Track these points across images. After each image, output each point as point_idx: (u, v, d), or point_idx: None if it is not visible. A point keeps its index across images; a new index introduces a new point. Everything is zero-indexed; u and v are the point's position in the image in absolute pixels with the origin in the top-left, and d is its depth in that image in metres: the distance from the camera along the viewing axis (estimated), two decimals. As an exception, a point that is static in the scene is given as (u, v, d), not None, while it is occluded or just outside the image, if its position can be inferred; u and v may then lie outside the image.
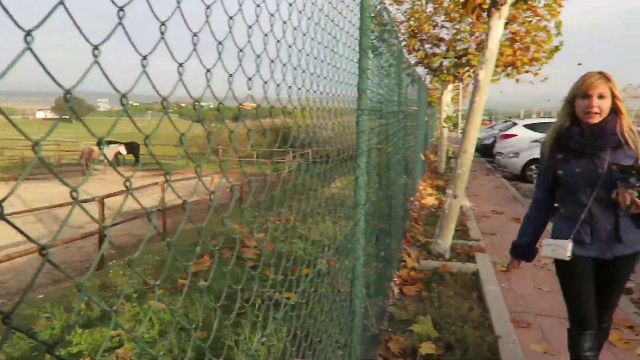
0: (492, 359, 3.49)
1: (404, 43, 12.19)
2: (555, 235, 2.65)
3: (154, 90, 0.88)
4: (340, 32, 1.93)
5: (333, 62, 1.79)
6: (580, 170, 2.45)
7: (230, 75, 1.08)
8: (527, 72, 10.94)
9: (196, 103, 1.03)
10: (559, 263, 2.66)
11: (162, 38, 0.85)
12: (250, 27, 1.08)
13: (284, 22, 1.23)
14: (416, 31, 12.11)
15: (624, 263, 2.56)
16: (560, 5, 8.94)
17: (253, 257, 5.42)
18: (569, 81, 2.60)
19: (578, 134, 2.42)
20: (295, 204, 1.62)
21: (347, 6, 1.99)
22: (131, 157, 25.95)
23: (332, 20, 1.72)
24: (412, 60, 12.02)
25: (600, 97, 2.35)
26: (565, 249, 2.51)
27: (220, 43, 0.99)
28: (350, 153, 2.29)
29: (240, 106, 1.20)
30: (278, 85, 1.22)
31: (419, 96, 10.36)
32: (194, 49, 0.94)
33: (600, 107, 2.35)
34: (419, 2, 12.02)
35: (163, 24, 0.86)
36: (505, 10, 4.93)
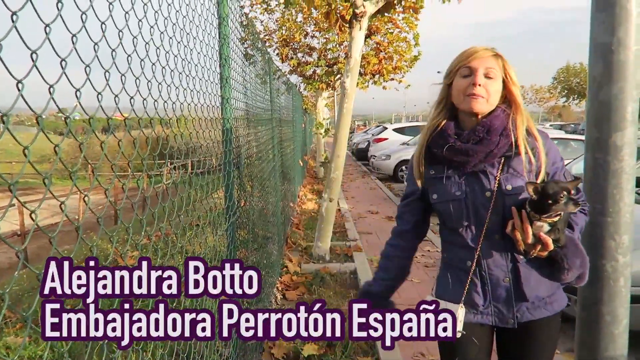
0: (370, 352, 3.70)
1: (277, 52, 12.42)
2: (439, 294, 1.80)
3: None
4: (201, 43, 1.95)
5: (194, 73, 1.81)
6: (461, 193, 1.65)
7: (78, 90, 1.06)
8: (392, 79, 11.75)
9: (40, 117, 1.00)
10: None
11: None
12: (96, 43, 1.07)
13: (134, 37, 1.23)
14: (288, 40, 12.40)
15: (538, 330, 1.70)
16: (417, 19, 9.75)
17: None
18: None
19: (453, 134, 1.63)
20: (170, 220, 1.61)
21: (206, 19, 2.02)
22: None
23: (189, 33, 1.74)
24: (286, 69, 12.29)
25: (488, 76, 1.59)
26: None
27: (63, 60, 0.97)
28: (220, 162, 2.31)
29: (91, 119, 1.18)
30: (132, 97, 1.22)
31: (294, 104, 10.62)
32: (34, 65, 0.92)
33: (487, 90, 1.58)
34: (289, 12, 12.31)
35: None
36: (364, 22, 5.26)
